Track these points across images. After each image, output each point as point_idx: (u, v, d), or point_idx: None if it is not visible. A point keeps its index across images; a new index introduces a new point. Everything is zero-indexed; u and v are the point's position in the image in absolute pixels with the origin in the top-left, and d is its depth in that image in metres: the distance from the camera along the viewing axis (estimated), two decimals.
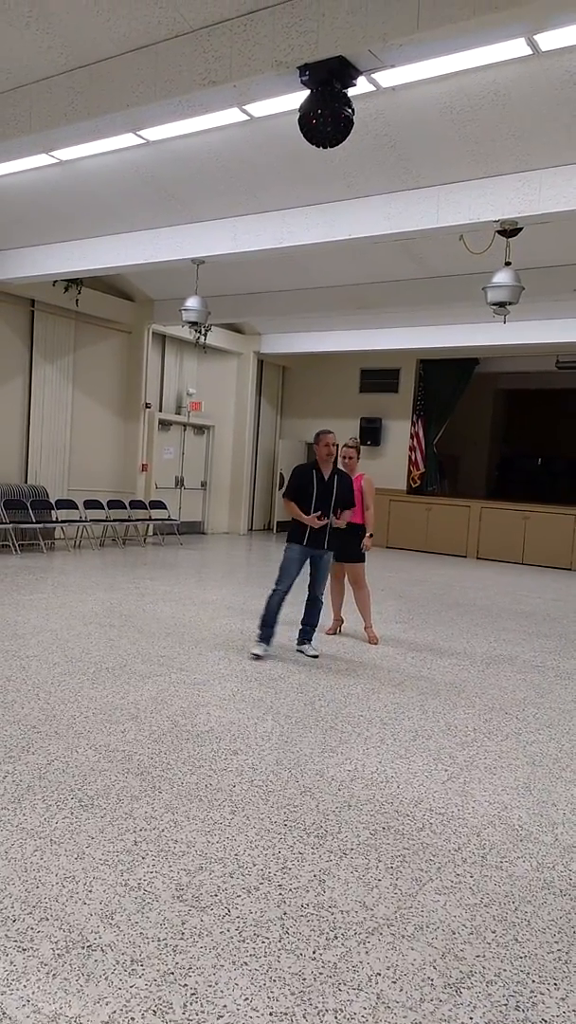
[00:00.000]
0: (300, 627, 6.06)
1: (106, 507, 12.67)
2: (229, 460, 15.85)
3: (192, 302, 9.46)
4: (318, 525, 5.73)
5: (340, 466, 6.71)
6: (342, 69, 4.63)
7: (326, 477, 5.85)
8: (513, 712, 4.86)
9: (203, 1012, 2.03)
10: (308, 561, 5.93)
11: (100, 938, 2.32)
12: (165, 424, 14.50)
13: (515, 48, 5.05)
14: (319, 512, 5.75)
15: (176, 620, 6.93)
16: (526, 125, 5.99)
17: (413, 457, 15.49)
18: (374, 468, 14.63)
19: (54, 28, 5.27)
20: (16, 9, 5.16)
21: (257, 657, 5.72)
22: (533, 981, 2.24)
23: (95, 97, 5.58)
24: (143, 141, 6.75)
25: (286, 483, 5.97)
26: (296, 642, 6.08)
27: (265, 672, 5.41)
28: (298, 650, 6.02)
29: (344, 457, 6.63)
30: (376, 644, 6.50)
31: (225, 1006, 2.06)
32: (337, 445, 5.99)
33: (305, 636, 6.04)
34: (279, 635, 5.89)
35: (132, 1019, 1.99)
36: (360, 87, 5.00)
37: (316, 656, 5.91)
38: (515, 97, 5.67)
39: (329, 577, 6.33)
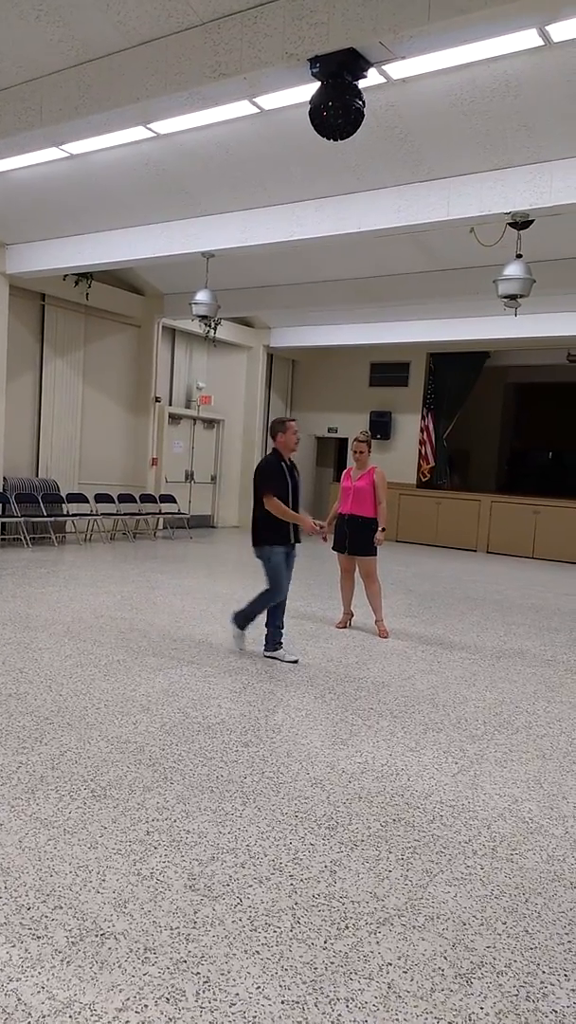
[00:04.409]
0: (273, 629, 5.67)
1: (116, 501, 12.71)
2: (239, 454, 15.86)
3: (202, 296, 9.46)
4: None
5: (352, 460, 6.73)
6: (353, 61, 4.62)
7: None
8: (523, 706, 4.86)
9: (215, 1000, 2.05)
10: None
11: (113, 926, 2.34)
12: (175, 418, 14.51)
13: (526, 39, 5.01)
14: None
15: (187, 613, 6.96)
16: (537, 116, 5.94)
17: (423, 451, 15.45)
18: (384, 462, 14.58)
19: (64, 21, 5.28)
20: (26, 3, 5.17)
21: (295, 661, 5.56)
22: (543, 972, 2.25)
23: (105, 90, 5.58)
24: (153, 134, 6.75)
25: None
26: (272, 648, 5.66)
27: (275, 666, 5.43)
28: (273, 655, 5.64)
29: (355, 451, 6.63)
30: (386, 638, 6.50)
31: (237, 994, 2.08)
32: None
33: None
34: (295, 636, 5.89)
35: (145, 1006, 2.01)
36: (370, 79, 4.99)
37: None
38: (526, 88, 5.63)
39: (339, 570, 6.29)
